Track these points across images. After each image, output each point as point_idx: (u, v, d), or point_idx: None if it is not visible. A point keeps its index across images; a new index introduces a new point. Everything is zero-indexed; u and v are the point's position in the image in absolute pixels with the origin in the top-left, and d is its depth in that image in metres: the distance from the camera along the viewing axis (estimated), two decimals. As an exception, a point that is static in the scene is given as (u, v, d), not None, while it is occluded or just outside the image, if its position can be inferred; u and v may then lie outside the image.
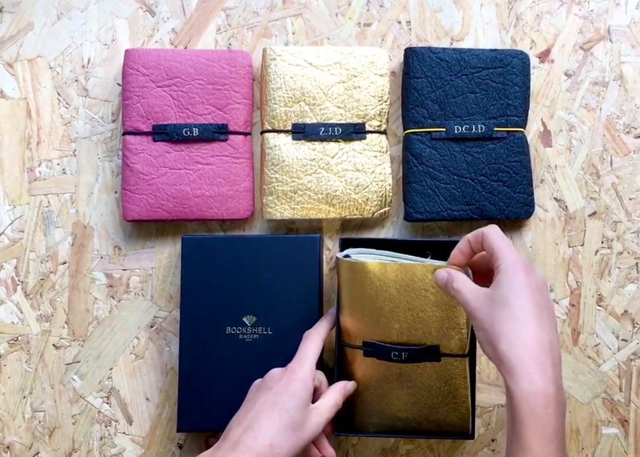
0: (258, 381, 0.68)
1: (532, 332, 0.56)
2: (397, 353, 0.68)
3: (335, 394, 0.68)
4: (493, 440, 0.77)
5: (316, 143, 0.77)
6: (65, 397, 0.77)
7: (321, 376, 0.69)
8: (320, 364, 0.70)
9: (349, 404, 0.70)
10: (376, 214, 0.77)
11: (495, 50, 0.78)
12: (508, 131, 0.77)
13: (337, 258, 0.68)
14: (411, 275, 0.66)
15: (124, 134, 0.77)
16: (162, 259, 0.79)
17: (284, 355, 0.68)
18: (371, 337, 0.69)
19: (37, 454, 0.77)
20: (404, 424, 0.71)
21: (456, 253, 0.65)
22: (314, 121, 0.77)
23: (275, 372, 0.67)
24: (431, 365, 0.68)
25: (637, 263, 0.78)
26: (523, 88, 0.77)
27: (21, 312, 0.78)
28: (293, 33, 0.81)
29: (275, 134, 0.77)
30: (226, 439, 0.62)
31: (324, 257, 0.78)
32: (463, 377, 0.69)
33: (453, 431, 0.70)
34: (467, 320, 0.67)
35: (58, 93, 0.80)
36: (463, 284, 0.62)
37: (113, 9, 0.81)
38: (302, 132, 0.76)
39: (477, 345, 0.65)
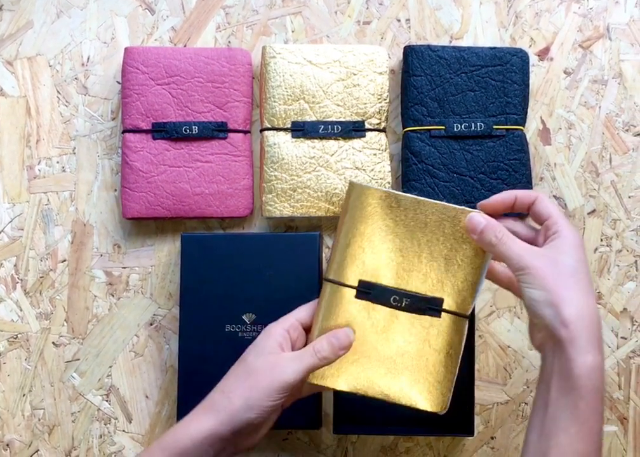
0: None
1: (595, 306, 0.56)
2: (397, 298, 0.63)
3: (319, 341, 0.62)
4: (492, 438, 0.77)
5: (315, 141, 0.77)
6: (64, 394, 0.77)
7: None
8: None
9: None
10: (375, 212, 0.77)
11: (494, 48, 0.78)
12: (507, 129, 0.77)
13: (350, 181, 0.64)
14: (426, 215, 0.62)
15: (123, 132, 0.77)
16: (161, 257, 0.79)
17: (284, 352, 0.68)
18: (367, 278, 0.63)
19: (36, 451, 0.77)
20: (379, 391, 0.63)
21: (497, 201, 0.63)
22: (314, 119, 0.77)
23: None
24: (428, 322, 0.63)
25: (636, 261, 0.79)
26: (522, 86, 0.78)
27: (21, 310, 0.78)
28: (293, 32, 0.81)
29: (275, 132, 0.77)
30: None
31: (324, 255, 0.78)
32: (459, 342, 0.63)
33: (425, 411, 0.63)
34: (478, 278, 0.62)
35: (58, 91, 0.80)
36: (509, 235, 0.59)
37: (112, 7, 0.81)
38: (301, 130, 0.76)
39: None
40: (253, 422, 0.59)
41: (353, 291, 0.63)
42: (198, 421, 0.59)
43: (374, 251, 0.63)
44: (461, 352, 0.63)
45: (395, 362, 0.63)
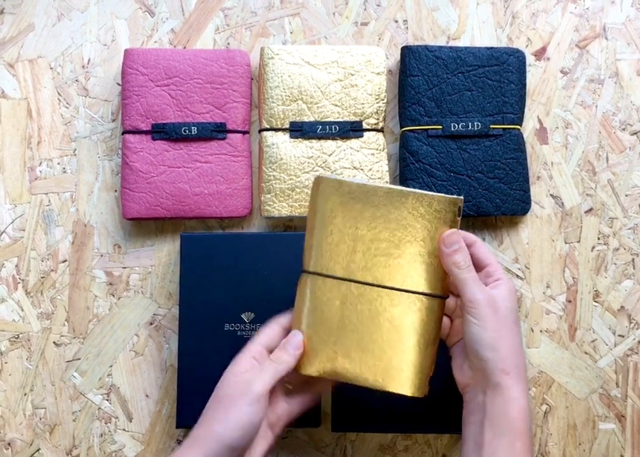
0: None
1: (524, 353, 0.62)
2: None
3: (276, 351, 0.63)
4: (490, 436, 0.77)
5: (313, 141, 0.77)
6: (65, 394, 0.78)
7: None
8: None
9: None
10: (373, 211, 0.77)
11: (491, 48, 0.78)
12: (504, 129, 0.77)
13: (316, 177, 0.64)
14: (399, 203, 0.62)
15: (123, 133, 0.78)
16: (161, 257, 0.79)
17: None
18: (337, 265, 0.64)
19: (37, 450, 0.77)
20: (350, 375, 0.63)
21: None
22: (312, 119, 0.77)
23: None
24: (398, 301, 0.63)
25: (633, 259, 0.79)
26: (519, 86, 0.78)
27: (22, 310, 0.79)
28: (291, 33, 0.82)
29: (273, 132, 0.77)
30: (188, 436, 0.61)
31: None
32: (430, 323, 0.63)
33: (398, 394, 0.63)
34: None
35: (59, 93, 0.81)
36: (472, 265, 0.62)
37: (113, 9, 0.82)
38: (300, 130, 0.77)
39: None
40: (234, 444, 0.59)
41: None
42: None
43: (337, 239, 0.63)
44: (433, 333, 0.63)
45: (365, 348, 0.63)
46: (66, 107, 0.81)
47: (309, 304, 0.64)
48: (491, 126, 0.77)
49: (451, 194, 0.76)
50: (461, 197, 0.62)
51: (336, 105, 0.77)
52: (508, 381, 0.59)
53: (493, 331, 0.59)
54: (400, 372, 0.63)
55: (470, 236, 0.64)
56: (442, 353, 0.65)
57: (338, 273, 0.63)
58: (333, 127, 0.77)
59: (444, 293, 0.63)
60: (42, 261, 0.79)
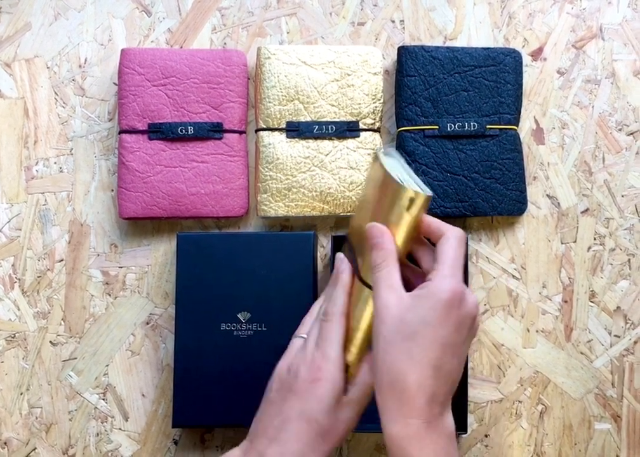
0: (281, 370, 0.60)
1: (421, 374, 0.52)
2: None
3: (367, 375, 0.57)
4: (486, 436, 0.77)
5: (310, 141, 0.77)
6: (61, 393, 0.78)
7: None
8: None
9: None
10: (369, 211, 0.77)
11: (488, 48, 0.79)
12: (500, 129, 0.77)
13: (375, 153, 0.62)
14: (384, 187, 0.58)
15: (120, 132, 0.78)
16: (157, 257, 0.79)
17: (278, 351, 0.68)
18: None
19: (33, 450, 0.78)
20: None
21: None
22: (308, 119, 0.77)
23: (297, 365, 0.58)
24: (357, 285, 0.60)
25: (629, 260, 0.79)
26: (515, 86, 0.78)
27: (19, 309, 0.79)
28: (288, 33, 0.82)
29: (270, 132, 0.77)
30: (252, 449, 0.57)
31: (318, 254, 0.78)
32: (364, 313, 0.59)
33: None
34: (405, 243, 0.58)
35: (55, 93, 0.81)
36: (395, 269, 0.55)
37: (109, 9, 0.82)
38: (296, 130, 0.77)
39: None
40: None
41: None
42: None
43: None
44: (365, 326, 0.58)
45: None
46: (63, 107, 0.81)
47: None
48: (488, 126, 0.77)
49: (447, 195, 0.76)
50: (416, 190, 0.55)
51: (333, 105, 0.77)
52: (379, 402, 0.53)
53: (378, 344, 0.53)
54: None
55: (440, 228, 0.56)
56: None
57: (350, 239, 0.63)
58: (330, 127, 0.77)
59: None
60: (39, 260, 0.79)
